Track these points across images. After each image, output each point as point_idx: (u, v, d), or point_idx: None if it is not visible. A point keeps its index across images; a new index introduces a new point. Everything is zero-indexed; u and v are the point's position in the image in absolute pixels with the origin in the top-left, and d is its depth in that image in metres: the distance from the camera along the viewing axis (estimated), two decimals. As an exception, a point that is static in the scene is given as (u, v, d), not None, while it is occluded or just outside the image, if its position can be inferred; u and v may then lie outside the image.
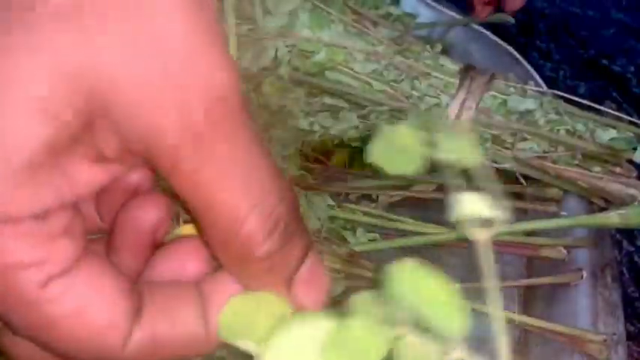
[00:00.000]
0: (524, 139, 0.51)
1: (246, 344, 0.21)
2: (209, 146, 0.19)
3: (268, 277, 0.21)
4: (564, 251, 0.49)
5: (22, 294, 0.19)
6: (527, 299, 0.49)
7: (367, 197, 0.52)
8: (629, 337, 0.49)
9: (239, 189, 0.19)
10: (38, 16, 0.18)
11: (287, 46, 0.48)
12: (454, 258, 0.50)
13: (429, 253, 0.50)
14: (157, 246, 0.23)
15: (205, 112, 0.19)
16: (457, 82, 0.49)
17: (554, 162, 0.52)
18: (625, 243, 0.59)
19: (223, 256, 0.21)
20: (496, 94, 0.50)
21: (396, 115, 0.50)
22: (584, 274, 0.47)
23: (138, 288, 0.21)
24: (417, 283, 0.19)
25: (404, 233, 0.49)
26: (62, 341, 0.20)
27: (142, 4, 0.18)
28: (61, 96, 0.18)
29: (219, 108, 0.19)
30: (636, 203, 0.50)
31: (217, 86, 0.19)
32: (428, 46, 0.52)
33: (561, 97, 0.54)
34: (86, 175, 0.19)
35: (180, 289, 0.22)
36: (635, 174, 0.53)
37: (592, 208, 0.53)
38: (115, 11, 0.18)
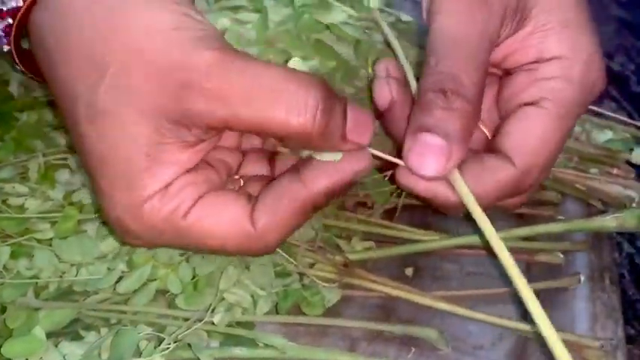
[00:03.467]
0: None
1: None
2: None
3: (329, 141, 0.31)
4: (561, 256, 0.49)
5: (179, 227, 0.32)
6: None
7: (363, 205, 0.53)
8: (630, 340, 0.50)
9: (273, 105, 0.30)
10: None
11: (280, 52, 0.49)
12: (451, 265, 0.51)
13: (426, 261, 0.51)
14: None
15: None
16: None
17: None
18: (625, 245, 0.59)
19: (298, 146, 0.34)
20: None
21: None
22: (582, 278, 0.47)
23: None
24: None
25: (400, 241, 0.49)
26: (217, 245, 0.33)
27: None
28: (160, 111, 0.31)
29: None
30: (634, 205, 0.51)
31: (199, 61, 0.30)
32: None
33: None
34: (182, 158, 0.32)
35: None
36: (633, 175, 0.53)
37: (590, 210, 0.53)
38: None
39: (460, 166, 0.34)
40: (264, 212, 0.32)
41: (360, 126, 0.32)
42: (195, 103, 0.30)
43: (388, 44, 0.43)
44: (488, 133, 0.37)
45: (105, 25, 0.30)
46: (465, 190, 0.33)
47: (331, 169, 0.33)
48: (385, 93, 0.35)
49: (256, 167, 0.38)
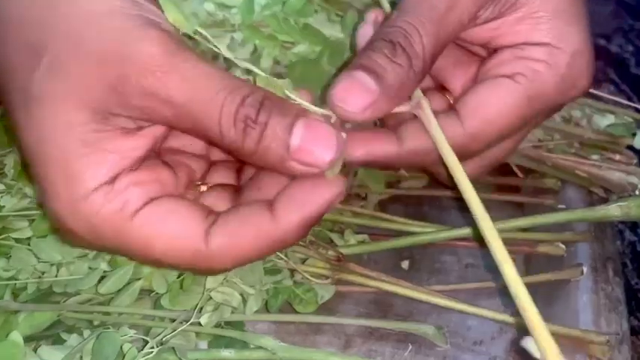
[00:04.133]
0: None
1: None
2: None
3: (268, 160, 0.29)
4: (563, 246, 0.49)
5: (122, 229, 0.29)
6: None
7: (356, 196, 0.52)
8: (634, 331, 0.50)
9: (205, 115, 0.28)
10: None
11: (267, 37, 0.47)
12: (449, 257, 0.51)
13: (423, 253, 0.51)
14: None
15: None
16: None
17: (550, 151, 0.52)
18: (627, 232, 0.59)
19: (240, 159, 0.31)
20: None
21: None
22: (585, 269, 0.47)
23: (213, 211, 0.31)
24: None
25: (396, 233, 0.49)
26: (161, 255, 0.30)
27: None
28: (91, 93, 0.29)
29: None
30: (637, 192, 0.51)
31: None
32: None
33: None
34: (123, 146, 0.29)
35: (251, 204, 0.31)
36: (635, 161, 0.53)
37: (591, 198, 0.53)
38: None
39: (407, 122, 0.33)
40: (222, 234, 0.30)
41: (314, 142, 0.29)
42: (133, 98, 0.29)
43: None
44: (451, 100, 0.37)
45: (45, 12, 0.29)
46: (439, 133, 0.32)
47: (305, 200, 0.30)
48: (367, 34, 0.34)
49: (223, 176, 0.36)
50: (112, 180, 0.29)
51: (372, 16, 0.36)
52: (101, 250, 0.32)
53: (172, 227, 0.29)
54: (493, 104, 0.34)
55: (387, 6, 0.38)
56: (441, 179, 0.38)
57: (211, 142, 0.29)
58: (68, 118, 0.29)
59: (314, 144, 0.29)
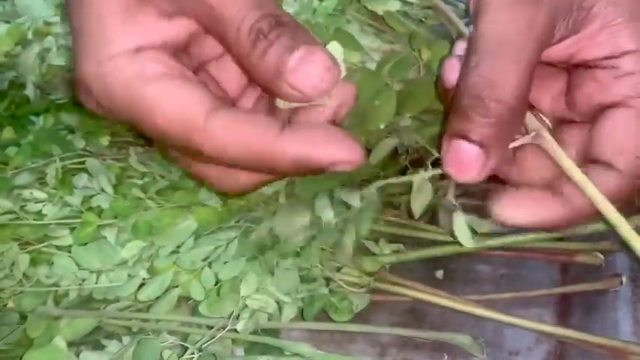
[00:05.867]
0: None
1: None
2: None
3: (266, 73, 0.30)
4: (601, 256, 0.49)
5: (133, 89, 0.31)
6: (563, 309, 0.49)
7: (390, 205, 0.53)
8: None
9: (229, 19, 0.30)
10: None
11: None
12: (484, 266, 0.51)
13: (459, 263, 0.51)
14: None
15: None
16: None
17: None
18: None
19: (247, 70, 0.31)
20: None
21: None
22: (624, 279, 0.47)
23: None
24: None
25: (431, 243, 0.49)
26: (161, 120, 0.30)
27: None
28: None
29: None
30: (678, 200, 0.49)
31: None
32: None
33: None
34: (158, 26, 0.31)
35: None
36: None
37: (631, 206, 0.50)
38: None
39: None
40: (224, 120, 0.30)
41: (308, 68, 0.30)
42: None
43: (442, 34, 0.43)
44: (549, 124, 0.38)
45: None
46: (562, 154, 0.34)
47: (312, 140, 0.30)
48: (454, 72, 0.35)
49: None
50: (138, 50, 0.31)
51: (460, 48, 0.37)
52: (109, 113, 0.32)
53: (179, 99, 0.31)
54: (631, 136, 0.34)
55: (464, 30, 0.38)
56: (508, 179, 0.38)
57: (227, 48, 0.31)
58: None
59: (307, 69, 0.30)
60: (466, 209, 0.42)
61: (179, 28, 0.32)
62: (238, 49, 0.31)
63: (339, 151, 0.30)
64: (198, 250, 0.45)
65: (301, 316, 0.45)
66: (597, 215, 0.34)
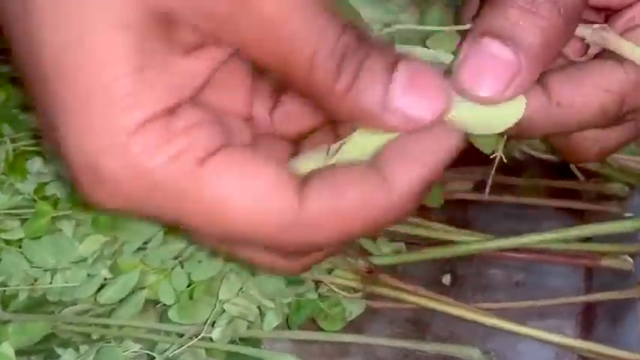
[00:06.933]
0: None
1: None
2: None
3: (362, 105, 0.24)
4: (630, 260, 0.48)
5: (186, 180, 0.23)
6: (587, 319, 0.49)
7: None
8: None
9: (299, 35, 0.23)
10: None
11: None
12: (497, 271, 0.50)
13: (467, 266, 0.50)
14: None
15: None
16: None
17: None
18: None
19: (323, 107, 0.25)
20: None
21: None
22: None
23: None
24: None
25: (436, 242, 0.48)
26: (239, 218, 0.24)
27: None
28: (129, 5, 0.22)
29: None
30: None
31: None
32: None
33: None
34: (185, 66, 0.24)
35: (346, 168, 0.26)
36: None
37: None
38: None
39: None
40: (320, 197, 0.25)
41: (420, 91, 0.25)
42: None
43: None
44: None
45: None
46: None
47: (420, 155, 0.26)
48: None
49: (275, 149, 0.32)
50: (171, 112, 0.23)
51: None
52: (146, 215, 0.25)
53: (255, 184, 0.24)
54: None
55: None
56: (575, 156, 0.33)
57: (287, 78, 0.25)
58: (113, 14, 0.22)
59: (419, 93, 0.25)
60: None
61: (207, 62, 0.25)
62: (317, 78, 0.24)
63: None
64: (169, 246, 0.44)
65: (286, 324, 0.44)
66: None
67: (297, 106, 0.30)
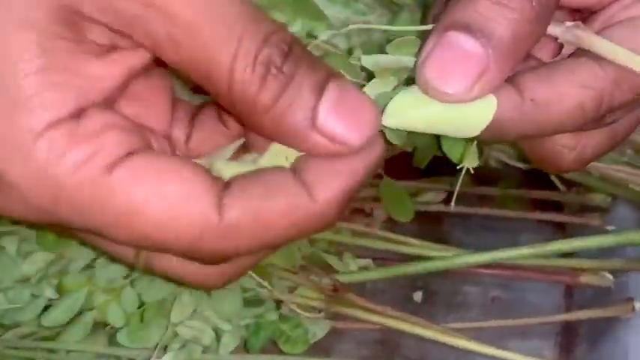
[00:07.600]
0: (560, 133, 0.49)
1: None
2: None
3: (287, 122, 0.24)
4: (610, 277, 0.48)
5: (94, 187, 0.22)
6: (567, 339, 0.48)
7: (359, 211, 0.51)
8: None
9: (216, 43, 0.23)
10: None
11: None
12: (472, 287, 0.50)
13: (440, 283, 0.49)
14: None
15: None
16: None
17: (598, 160, 0.48)
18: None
19: (242, 119, 0.25)
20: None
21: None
22: (637, 304, 0.46)
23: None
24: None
25: (407, 257, 0.48)
26: (153, 227, 0.23)
27: None
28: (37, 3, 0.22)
29: None
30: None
31: None
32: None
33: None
34: (97, 70, 0.23)
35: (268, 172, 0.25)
36: (699, 173, 0.50)
37: None
38: None
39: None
40: (242, 204, 0.24)
41: (349, 114, 0.24)
42: None
43: None
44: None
45: None
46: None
47: (342, 167, 0.25)
48: None
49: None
50: (77, 114, 0.23)
51: None
52: (53, 223, 0.24)
53: (171, 189, 0.23)
54: (635, 43, 0.28)
55: None
56: (550, 165, 0.32)
57: (210, 90, 0.24)
58: (17, 13, 0.22)
59: (350, 115, 0.24)
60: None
61: (120, 66, 0.24)
62: (235, 87, 0.23)
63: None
64: (118, 265, 0.42)
65: (244, 347, 0.44)
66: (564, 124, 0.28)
67: (214, 127, 0.29)
